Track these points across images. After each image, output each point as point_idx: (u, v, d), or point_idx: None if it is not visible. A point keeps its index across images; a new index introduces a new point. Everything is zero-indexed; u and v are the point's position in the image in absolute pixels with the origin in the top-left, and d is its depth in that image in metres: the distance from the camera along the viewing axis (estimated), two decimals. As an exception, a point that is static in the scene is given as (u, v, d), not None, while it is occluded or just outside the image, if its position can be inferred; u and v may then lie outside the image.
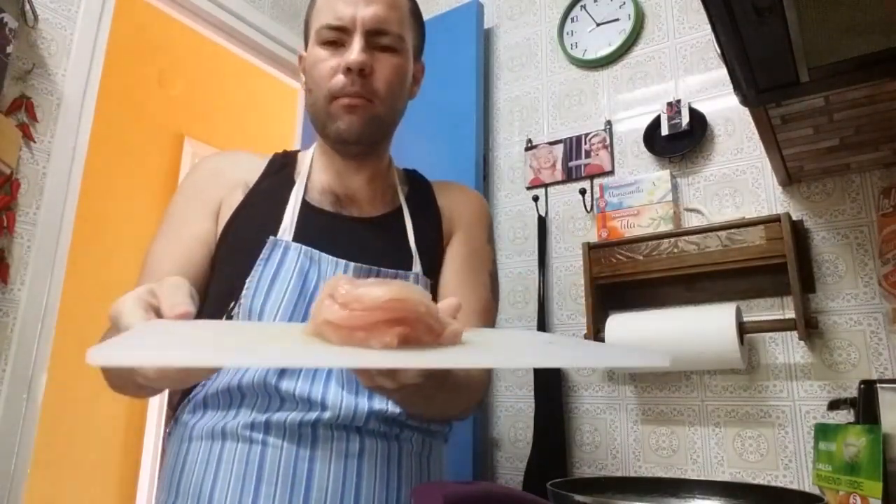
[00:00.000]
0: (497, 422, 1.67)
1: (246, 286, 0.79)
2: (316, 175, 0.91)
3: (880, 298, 1.26)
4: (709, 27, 0.86)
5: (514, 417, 1.64)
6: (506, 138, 1.88)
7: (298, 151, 0.96)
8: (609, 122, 1.69)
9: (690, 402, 1.41)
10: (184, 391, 0.83)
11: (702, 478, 1.28)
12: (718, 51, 0.98)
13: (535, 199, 1.74)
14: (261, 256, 0.80)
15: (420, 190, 0.97)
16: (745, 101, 0.99)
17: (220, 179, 0.89)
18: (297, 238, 0.82)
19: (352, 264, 0.81)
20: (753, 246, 1.31)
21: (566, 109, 1.78)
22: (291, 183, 0.89)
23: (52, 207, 1.43)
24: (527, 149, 1.80)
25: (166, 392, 2.90)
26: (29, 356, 1.35)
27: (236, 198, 0.87)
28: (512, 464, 1.61)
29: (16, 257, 1.35)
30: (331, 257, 0.81)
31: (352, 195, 0.90)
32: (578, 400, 1.56)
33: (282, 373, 0.75)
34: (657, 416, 1.45)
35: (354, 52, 0.81)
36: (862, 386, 1.10)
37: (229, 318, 0.79)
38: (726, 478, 1.32)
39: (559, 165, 1.73)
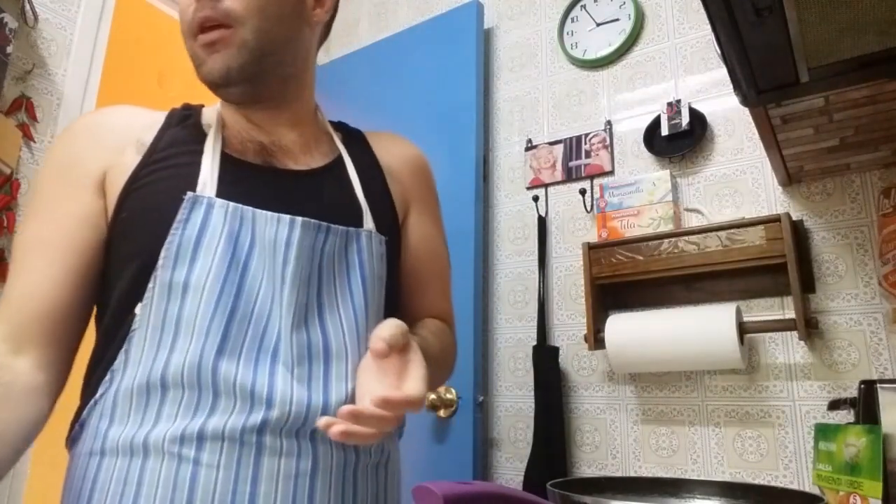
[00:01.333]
0: (497, 422, 1.67)
1: (162, 255, 0.64)
2: (232, 126, 0.77)
3: (880, 298, 1.26)
4: (709, 27, 0.86)
5: (514, 417, 1.64)
6: (506, 138, 1.88)
7: (202, 106, 0.81)
8: (609, 122, 1.69)
9: (690, 402, 1.41)
10: (85, 390, 0.69)
11: (702, 478, 1.28)
12: (718, 51, 0.98)
13: (535, 199, 1.74)
14: (178, 218, 0.65)
15: (355, 140, 0.86)
16: (745, 101, 0.99)
17: (102, 141, 0.72)
18: (221, 194, 0.68)
19: (299, 220, 0.68)
20: (753, 246, 1.31)
21: (566, 109, 1.78)
22: (202, 134, 0.75)
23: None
24: (527, 149, 1.80)
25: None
26: (29, 356, 1.35)
27: (129, 159, 0.71)
28: (512, 464, 1.61)
29: (16, 257, 1.35)
30: (269, 213, 0.68)
31: (279, 143, 0.77)
32: (578, 400, 1.56)
33: (219, 352, 0.63)
34: (657, 416, 1.45)
35: None
36: (862, 386, 1.10)
37: (140, 298, 0.65)
38: (726, 478, 1.32)
39: (559, 165, 1.73)
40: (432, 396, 1.58)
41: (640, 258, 1.44)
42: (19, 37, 1.38)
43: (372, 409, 0.53)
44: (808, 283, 1.32)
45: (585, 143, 1.70)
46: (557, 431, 1.51)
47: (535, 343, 1.63)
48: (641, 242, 1.45)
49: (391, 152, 0.87)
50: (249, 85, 0.73)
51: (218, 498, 0.60)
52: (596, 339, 1.45)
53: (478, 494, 0.56)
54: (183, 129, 0.75)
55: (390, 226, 0.80)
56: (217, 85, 0.72)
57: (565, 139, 1.74)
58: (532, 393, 1.60)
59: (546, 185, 1.75)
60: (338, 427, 0.52)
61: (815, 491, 1.11)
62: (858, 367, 1.25)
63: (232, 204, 0.68)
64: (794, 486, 1.25)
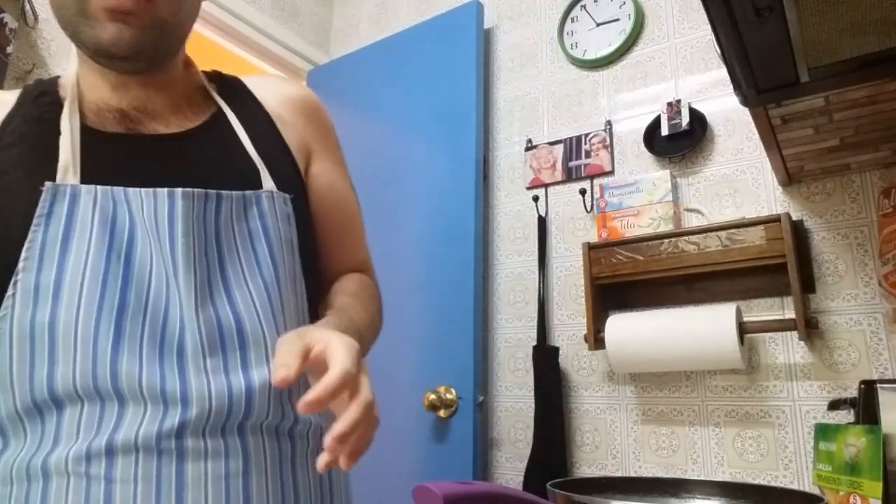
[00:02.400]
0: (497, 422, 1.67)
1: (23, 257, 0.56)
2: (88, 92, 0.66)
3: (880, 298, 1.26)
4: (709, 27, 0.86)
5: (514, 417, 1.64)
6: (506, 138, 1.88)
7: (57, 77, 0.71)
8: (609, 122, 1.69)
9: (690, 402, 1.41)
10: None
11: (702, 478, 1.28)
12: (718, 51, 0.98)
13: (535, 199, 1.74)
14: (38, 213, 0.57)
15: (234, 91, 0.75)
16: (745, 101, 0.99)
17: None
18: (87, 178, 0.59)
19: (178, 191, 0.59)
20: (753, 246, 1.31)
21: (566, 109, 1.78)
22: (58, 107, 0.64)
23: None
24: (527, 149, 1.80)
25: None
26: (29, 356, 1.35)
27: None
28: (512, 464, 1.61)
29: (16, 257, 1.35)
30: (143, 190, 0.59)
31: (146, 108, 0.67)
32: (578, 400, 1.56)
33: (115, 354, 0.55)
34: (657, 416, 1.45)
35: None
36: (862, 386, 1.10)
37: (6, 308, 0.56)
38: (726, 478, 1.32)
39: (559, 165, 1.73)
40: (432, 396, 1.58)
41: (640, 258, 1.44)
42: (19, 37, 1.38)
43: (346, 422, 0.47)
44: (808, 283, 1.32)
45: (585, 143, 1.70)
46: (557, 431, 1.51)
47: (535, 343, 1.63)
48: (641, 242, 1.45)
49: (278, 97, 0.76)
50: (148, 61, 0.65)
51: None
52: (596, 339, 1.45)
53: (478, 494, 0.56)
54: (36, 106, 0.65)
55: (293, 181, 0.71)
56: (114, 56, 0.62)
57: (565, 139, 1.74)
58: (532, 393, 1.60)
59: (546, 185, 1.75)
60: (337, 460, 0.47)
61: (815, 491, 1.11)
62: (858, 367, 1.25)
63: (100, 187, 0.59)
64: (794, 486, 1.25)
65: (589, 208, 1.65)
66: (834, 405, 1.18)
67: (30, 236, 0.56)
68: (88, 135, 0.63)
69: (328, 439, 0.46)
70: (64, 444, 0.54)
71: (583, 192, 1.65)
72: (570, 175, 1.71)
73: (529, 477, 1.50)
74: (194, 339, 0.57)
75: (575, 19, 1.81)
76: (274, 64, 2.19)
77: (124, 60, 0.63)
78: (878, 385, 1.07)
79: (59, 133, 0.61)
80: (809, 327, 1.26)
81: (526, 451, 1.56)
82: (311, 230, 0.74)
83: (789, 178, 1.36)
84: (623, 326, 1.38)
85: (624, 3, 1.72)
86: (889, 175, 1.29)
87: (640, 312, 1.41)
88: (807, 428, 1.28)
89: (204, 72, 0.76)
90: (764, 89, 0.96)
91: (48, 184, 0.58)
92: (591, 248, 1.52)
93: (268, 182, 0.67)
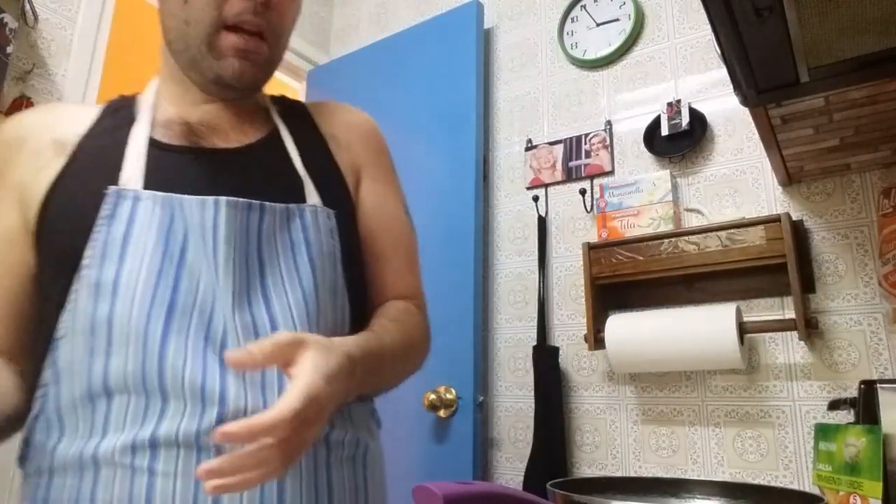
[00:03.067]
0: (497, 422, 1.67)
1: (87, 255, 0.60)
2: (163, 107, 0.73)
3: (880, 298, 1.26)
4: (709, 27, 0.86)
5: (514, 417, 1.64)
6: (506, 138, 1.88)
7: (138, 94, 0.77)
8: (609, 122, 1.69)
9: (690, 402, 1.41)
10: (28, 401, 0.64)
11: (702, 478, 1.28)
12: (718, 51, 0.98)
13: (535, 199, 1.74)
14: (101, 214, 0.61)
15: (295, 112, 0.80)
16: (745, 101, 0.99)
17: (19, 150, 0.68)
18: (148, 184, 0.64)
19: (222, 199, 0.63)
20: (753, 246, 1.31)
21: (566, 109, 1.78)
22: (131, 121, 0.70)
23: None
24: (527, 149, 1.80)
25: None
26: (29, 356, 1.35)
27: (48, 162, 0.67)
28: (512, 464, 1.61)
29: (16, 257, 1.35)
30: (196, 198, 0.63)
31: (211, 123, 0.72)
32: (578, 400, 1.56)
33: (163, 349, 0.58)
34: (657, 416, 1.45)
35: None
36: (862, 386, 1.10)
37: (66, 299, 0.61)
38: (726, 478, 1.32)
39: (559, 165, 1.73)
40: (432, 396, 1.58)
41: (640, 258, 1.44)
42: (19, 37, 1.38)
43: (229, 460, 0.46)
44: (808, 283, 1.32)
45: (585, 143, 1.70)
46: (557, 431, 1.51)
47: (535, 343, 1.63)
48: (641, 242, 1.45)
49: (335, 121, 0.81)
50: (251, 92, 0.74)
51: None
52: (596, 339, 1.45)
53: (478, 494, 0.56)
54: (113, 119, 0.71)
55: (340, 198, 0.74)
56: (226, 86, 0.70)
57: (565, 139, 1.74)
58: (532, 393, 1.60)
59: (546, 185, 1.75)
60: (210, 483, 0.46)
61: (815, 491, 1.11)
62: (858, 367, 1.25)
63: (160, 194, 0.63)
64: (794, 486, 1.25)
65: (589, 208, 1.65)
66: (834, 405, 1.18)
67: (93, 236, 0.61)
68: (154, 146, 0.68)
69: (201, 466, 0.46)
70: (112, 435, 0.58)
71: (583, 192, 1.65)
72: (570, 175, 1.71)
73: (529, 477, 1.50)
74: (234, 341, 0.60)
75: (575, 19, 1.81)
76: (274, 64, 2.19)
77: (235, 90, 0.71)
78: (878, 385, 1.07)
79: (126, 144, 0.67)
80: (809, 327, 1.26)
81: (526, 451, 1.55)
82: (357, 247, 0.76)
83: (789, 178, 1.36)
84: (623, 326, 1.38)
85: (624, 3, 1.72)
86: (889, 175, 1.29)
87: (640, 312, 1.41)
88: (807, 428, 1.28)
89: (270, 95, 0.82)
90: (764, 89, 0.96)
91: (112, 188, 0.63)
92: (591, 248, 1.52)
93: (312, 197, 0.70)
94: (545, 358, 1.57)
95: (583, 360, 1.58)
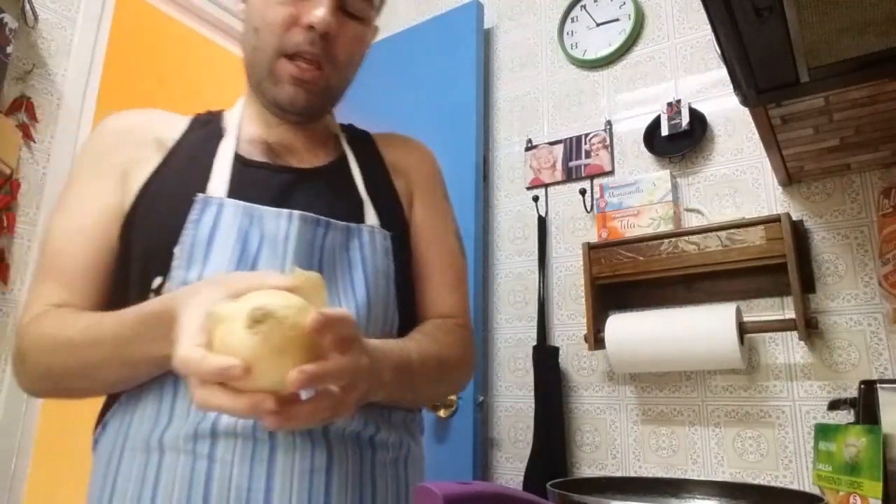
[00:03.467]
0: (497, 422, 1.67)
1: (176, 255, 0.66)
2: (245, 126, 0.79)
3: (880, 298, 1.26)
4: (709, 27, 0.86)
5: (514, 417, 1.64)
6: (506, 138, 1.88)
7: (223, 110, 0.84)
8: (609, 122, 1.69)
9: (690, 402, 1.41)
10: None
11: (702, 478, 1.28)
12: (718, 51, 0.98)
13: (535, 199, 1.74)
14: (189, 218, 0.67)
15: (361, 141, 0.87)
16: (745, 101, 0.99)
17: (128, 139, 0.75)
18: (231, 194, 0.70)
19: (296, 213, 0.69)
20: (753, 246, 1.31)
21: (566, 109, 1.78)
22: (220, 136, 0.77)
23: (52, 207, 1.42)
24: (527, 149, 1.80)
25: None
26: (29, 356, 1.35)
27: (151, 159, 0.74)
28: (512, 464, 1.61)
29: (16, 257, 1.35)
30: (273, 209, 0.69)
31: (288, 144, 0.79)
32: (578, 400, 1.56)
33: None
34: (657, 416, 1.45)
35: (323, 9, 0.70)
36: (862, 386, 1.10)
37: (157, 295, 0.66)
38: (726, 478, 1.32)
39: (559, 165, 1.73)
40: (432, 396, 1.58)
41: (641, 258, 1.44)
42: (19, 37, 1.38)
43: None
44: (808, 283, 1.32)
45: (585, 143, 1.70)
46: (557, 431, 1.51)
47: (535, 343, 1.63)
48: (641, 242, 1.45)
49: (396, 150, 0.88)
50: (310, 117, 0.79)
51: (234, 492, 0.60)
52: (596, 339, 1.45)
53: (478, 494, 0.56)
54: (203, 132, 0.78)
55: (397, 221, 0.80)
56: (283, 110, 0.76)
57: (565, 139, 1.74)
58: (532, 393, 1.60)
59: (546, 185, 1.75)
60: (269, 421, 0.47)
61: (816, 491, 1.11)
62: (858, 367, 1.25)
63: (242, 203, 0.69)
64: (794, 487, 1.25)
65: (589, 208, 1.65)
66: (834, 405, 1.18)
67: (182, 238, 0.67)
68: (239, 160, 0.75)
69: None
70: (177, 423, 0.63)
71: (583, 192, 1.65)
72: (570, 175, 1.71)
73: (529, 477, 1.50)
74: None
75: (575, 19, 1.81)
76: (274, 64, 2.19)
77: (293, 115, 0.76)
78: (878, 385, 1.07)
79: (215, 156, 0.74)
80: (809, 327, 1.26)
81: (526, 451, 1.55)
82: (409, 267, 0.81)
83: (789, 178, 1.36)
84: (623, 326, 1.38)
85: (624, 3, 1.72)
86: (889, 175, 1.29)
87: (640, 312, 1.41)
88: (807, 428, 1.27)
89: (341, 124, 0.89)
90: (764, 89, 0.96)
91: (200, 195, 0.69)
92: (591, 248, 1.52)
93: (371, 218, 0.76)
94: (545, 358, 1.57)
95: (583, 360, 1.58)
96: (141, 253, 0.69)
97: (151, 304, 0.60)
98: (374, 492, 0.67)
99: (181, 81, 3.04)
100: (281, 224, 0.69)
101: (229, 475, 0.60)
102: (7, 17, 1.32)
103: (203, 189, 0.70)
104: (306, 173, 0.77)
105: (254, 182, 0.73)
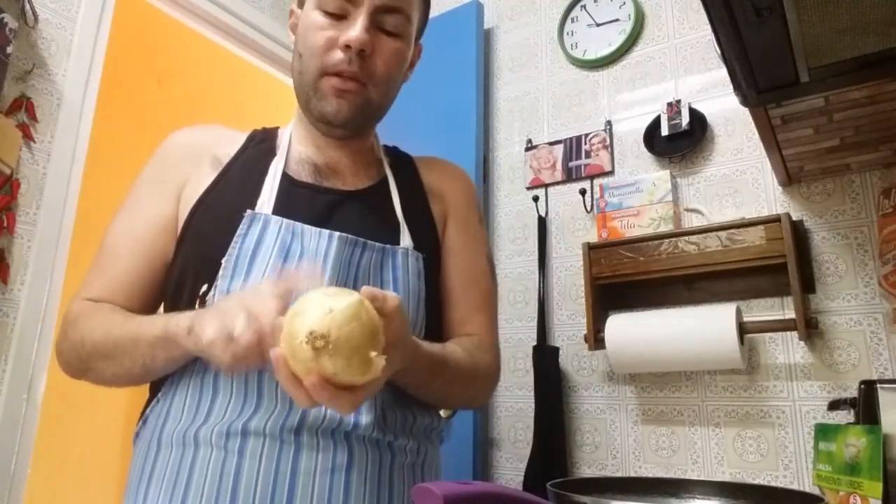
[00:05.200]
0: (497, 422, 1.67)
1: (223, 265, 0.71)
2: (295, 146, 0.85)
3: (880, 298, 1.26)
4: (709, 27, 0.86)
5: (514, 417, 1.64)
6: (506, 138, 1.88)
7: (278, 127, 0.90)
8: (609, 123, 1.69)
9: (690, 402, 1.41)
10: (151, 389, 0.77)
11: (702, 478, 1.28)
12: (718, 51, 0.98)
13: (535, 199, 1.74)
14: (238, 232, 0.73)
15: (403, 164, 0.92)
16: (745, 101, 0.99)
17: (189, 155, 0.82)
18: (276, 211, 0.75)
19: (336, 234, 0.74)
20: (753, 246, 1.31)
21: (566, 109, 1.78)
22: (272, 155, 0.83)
23: (52, 207, 1.43)
24: (527, 149, 1.80)
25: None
26: (29, 356, 1.35)
27: (207, 173, 0.80)
28: (512, 464, 1.61)
29: (16, 257, 1.35)
30: (314, 228, 0.74)
31: (333, 166, 0.84)
32: (578, 400, 1.56)
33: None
34: (657, 416, 1.45)
35: (357, 29, 0.75)
36: (862, 386, 1.10)
37: (202, 302, 0.71)
38: (726, 478, 1.32)
39: (559, 165, 1.73)
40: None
41: (641, 258, 1.44)
42: (19, 37, 1.38)
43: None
44: (808, 283, 1.32)
45: (585, 144, 1.70)
46: (557, 431, 1.51)
47: (535, 343, 1.63)
48: (641, 242, 1.45)
49: (434, 173, 0.93)
50: (355, 130, 0.82)
51: (260, 486, 0.65)
52: (596, 339, 1.45)
53: (478, 494, 0.56)
54: (257, 150, 0.84)
55: (431, 244, 0.85)
56: (329, 124, 0.80)
57: (565, 139, 1.74)
58: (532, 393, 1.60)
59: (546, 186, 1.75)
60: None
61: (816, 491, 1.11)
62: (858, 368, 1.25)
63: (285, 220, 0.74)
64: (795, 487, 1.25)
65: (589, 208, 1.65)
66: (834, 405, 1.18)
67: (229, 250, 0.72)
68: (287, 180, 0.80)
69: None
70: (212, 422, 0.68)
71: (583, 192, 1.65)
72: (570, 175, 1.71)
73: (529, 477, 1.50)
74: None
75: (575, 19, 1.81)
76: (274, 64, 2.19)
77: (337, 127, 0.80)
78: (878, 385, 1.07)
79: (265, 175, 0.79)
80: (809, 327, 1.26)
81: (526, 451, 1.55)
82: (439, 287, 0.86)
83: (789, 179, 1.36)
84: (623, 326, 1.38)
85: (624, 3, 1.72)
86: (889, 175, 1.29)
87: (640, 312, 1.41)
88: (807, 428, 1.27)
89: (384, 146, 0.95)
90: (764, 89, 0.96)
91: (249, 211, 0.74)
92: (591, 248, 1.52)
93: (406, 240, 0.81)
94: (545, 358, 1.57)
95: (583, 360, 1.58)
96: (193, 261, 0.75)
97: (157, 326, 0.67)
98: (390, 492, 0.71)
99: (181, 81, 3.04)
100: (322, 243, 0.73)
101: (257, 470, 0.66)
102: (7, 17, 1.32)
103: (252, 205, 0.75)
104: (348, 195, 0.82)
105: (299, 201, 0.78)
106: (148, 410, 0.75)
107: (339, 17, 0.77)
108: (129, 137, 2.81)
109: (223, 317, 0.57)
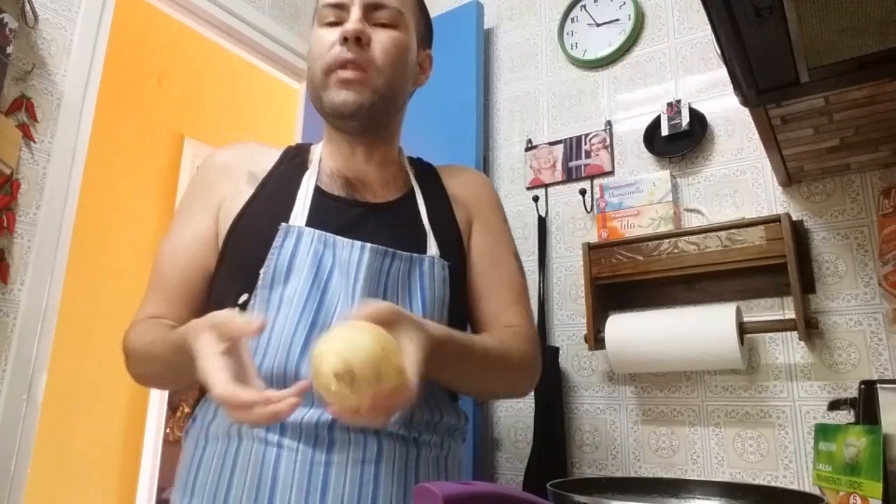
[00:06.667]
0: (497, 422, 1.67)
1: (261, 276, 0.78)
2: (326, 161, 0.90)
3: (880, 298, 1.26)
4: (709, 27, 0.86)
5: (514, 417, 1.64)
6: (506, 138, 1.88)
7: (311, 144, 0.96)
8: (609, 123, 1.69)
9: (690, 402, 1.41)
10: (200, 390, 0.82)
11: (702, 478, 1.28)
12: (718, 51, 0.98)
13: (536, 199, 1.74)
14: (274, 244, 0.79)
15: (427, 174, 0.98)
16: (745, 101, 0.99)
17: (225, 174, 0.88)
18: (310, 223, 0.81)
19: (368, 245, 0.79)
20: (753, 246, 1.31)
21: (566, 109, 1.78)
22: (304, 169, 0.89)
23: (52, 207, 1.43)
24: (527, 149, 1.80)
25: (166, 392, 2.87)
26: (29, 356, 1.35)
27: (244, 189, 0.86)
28: (512, 464, 1.61)
29: (16, 257, 1.35)
30: (345, 239, 0.79)
31: (363, 179, 0.89)
32: (578, 400, 1.56)
33: (300, 359, 0.74)
34: (657, 416, 1.45)
35: (351, 21, 0.82)
36: (862, 386, 1.10)
37: (242, 310, 0.77)
38: (726, 478, 1.32)
39: (559, 166, 1.73)
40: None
41: (641, 258, 1.44)
42: (19, 37, 1.38)
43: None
44: (808, 284, 1.32)
45: (585, 144, 1.70)
46: (557, 431, 1.51)
47: (535, 343, 1.63)
48: (641, 242, 1.45)
49: (457, 181, 0.98)
50: (368, 121, 0.85)
51: (297, 475, 0.71)
52: (596, 339, 1.45)
53: (478, 494, 0.56)
54: (290, 165, 0.90)
55: (455, 251, 0.89)
56: (342, 115, 0.84)
57: (565, 139, 1.74)
58: (532, 393, 1.60)
59: (546, 186, 1.75)
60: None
61: (816, 491, 1.11)
62: (858, 368, 1.25)
63: (317, 231, 0.79)
64: (795, 487, 1.25)
65: (589, 208, 1.65)
66: (834, 405, 1.18)
67: (266, 261, 0.78)
68: (319, 193, 0.85)
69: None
70: None
71: (583, 192, 1.65)
72: (570, 175, 1.71)
73: (529, 477, 1.50)
74: None
75: (575, 19, 1.81)
76: (274, 64, 2.19)
77: (350, 119, 0.84)
78: (878, 385, 1.07)
79: (298, 189, 0.85)
80: (809, 327, 1.26)
81: (526, 451, 1.55)
82: (464, 294, 0.90)
83: (789, 179, 1.36)
84: (623, 326, 1.38)
85: (624, 3, 1.72)
86: (889, 175, 1.29)
87: (640, 312, 1.41)
88: (807, 428, 1.27)
89: (409, 158, 1.00)
90: (764, 89, 0.96)
91: (284, 224, 0.80)
92: (591, 249, 1.52)
93: (432, 249, 0.85)
94: (545, 358, 1.57)
95: (583, 360, 1.58)
96: (234, 272, 0.81)
97: (174, 336, 0.71)
98: (417, 482, 0.76)
99: (181, 81, 3.04)
100: (354, 253, 0.78)
101: (294, 460, 0.72)
102: (7, 17, 1.32)
103: (287, 218, 0.81)
104: (378, 207, 0.87)
105: (330, 213, 0.83)
106: (197, 409, 0.83)
107: (337, 24, 0.84)
108: (129, 137, 2.81)
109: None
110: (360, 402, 0.55)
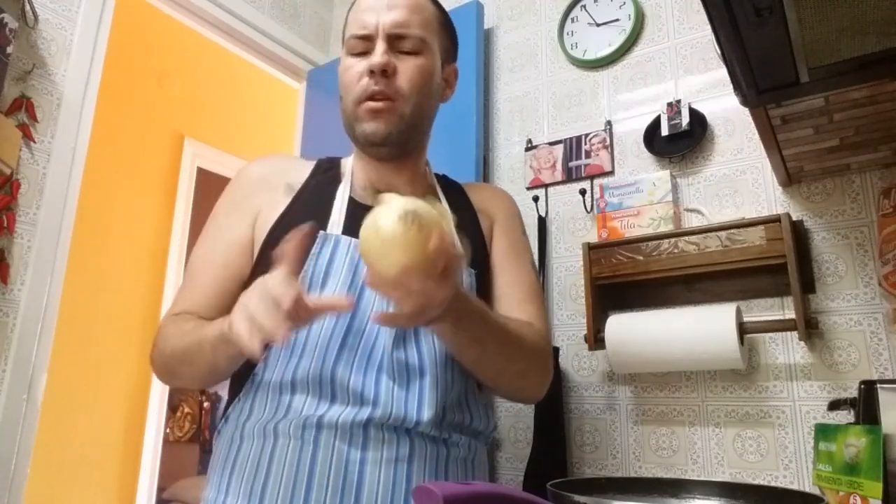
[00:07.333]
0: (497, 422, 1.67)
1: (299, 281, 0.78)
2: (358, 174, 0.95)
3: (880, 298, 1.26)
4: (709, 27, 0.86)
5: (514, 417, 1.64)
6: (506, 138, 1.88)
7: (341, 157, 1.01)
8: (609, 123, 1.69)
9: (690, 402, 1.41)
10: (231, 391, 0.86)
11: (702, 478, 1.28)
12: (718, 51, 0.98)
13: (536, 199, 1.74)
14: (312, 251, 0.82)
15: (453, 189, 1.03)
16: (745, 101, 0.99)
17: (263, 184, 0.92)
18: (346, 231, 0.85)
19: None
20: (753, 246, 1.31)
21: (566, 109, 1.78)
22: (338, 181, 0.93)
23: (52, 207, 1.43)
24: (527, 149, 1.80)
25: (166, 393, 2.87)
26: (29, 356, 1.35)
27: (280, 200, 0.90)
28: (512, 464, 1.61)
29: (16, 257, 1.35)
30: None
31: (394, 190, 0.91)
32: (578, 400, 1.56)
33: (336, 361, 0.77)
34: (657, 416, 1.45)
35: (377, 54, 0.86)
36: (862, 386, 1.10)
37: None
38: (726, 478, 1.32)
39: (559, 166, 1.73)
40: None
41: (641, 258, 1.44)
42: (19, 37, 1.38)
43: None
44: (808, 284, 1.32)
45: (585, 144, 1.70)
46: (557, 431, 1.51)
47: (535, 343, 1.63)
48: (641, 243, 1.45)
49: (480, 196, 1.04)
50: (397, 147, 0.90)
51: (333, 472, 0.74)
52: (596, 339, 1.45)
53: (478, 494, 0.56)
54: (325, 177, 0.94)
55: (481, 260, 0.94)
56: (373, 144, 0.88)
57: (565, 139, 1.74)
58: (532, 393, 1.60)
59: (546, 186, 1.75)
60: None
61: (816, 491, 1.11)
62: (858, 368, 1.25)
63: (353, 239, 0.82)
64: (795, 487, 1.25)
65: (589, 208, 1.65)
66: (834, 405, 1.18)
67: (305, 267, 0.81)
68: (353, 204, 0.90)
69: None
70: (291, 416, 0.78)
71: (583, 192, 1.65)
72: (570, 175, 1.71)
73: (529, 477, 1.50)
74: (389, 365, 0.80)
75: (575, 19, 1.81)
76: (274, 64, 2.19)
77: (381, 147, 0.89)
78: (878, 385, 1.07)
79: (334, 199, 0.89)
80: (809, 327, 1.26)
81: (526, 451, 1.55)
82: (489, 299, 0.93)
83: (789, 179, 1.36)
84: (623, 327, 1.38)
85: (624, 3, 1.72)
86: (889, 175, 1.29)
87: (640, 313, 1.41)
88: (807, 428, 1.27)
89: (435, 174, 1.05)
90: (764, 89, 0.96)
91: (321, 232, 0.84)
92: (591, 249, 1.52)
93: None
94: (545, 358, 1.57)
95: (583, 360, 1.58)
96: None
97: (215, 324, 0.74)
98: (447, 480, 0.80)
99: (181, 81, 3.04)
100: None
101: (330, 458, 0.74)
102: (7, 17, 1.32)
103: (324, 227, 0.85)
104: None
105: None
106: (230, 410, 0.85)
107: (364, 53, 0.89)
108: (129, 137, 2.81)
109: (244, 309, 0.63)
110: (424, 245, 0.56)
